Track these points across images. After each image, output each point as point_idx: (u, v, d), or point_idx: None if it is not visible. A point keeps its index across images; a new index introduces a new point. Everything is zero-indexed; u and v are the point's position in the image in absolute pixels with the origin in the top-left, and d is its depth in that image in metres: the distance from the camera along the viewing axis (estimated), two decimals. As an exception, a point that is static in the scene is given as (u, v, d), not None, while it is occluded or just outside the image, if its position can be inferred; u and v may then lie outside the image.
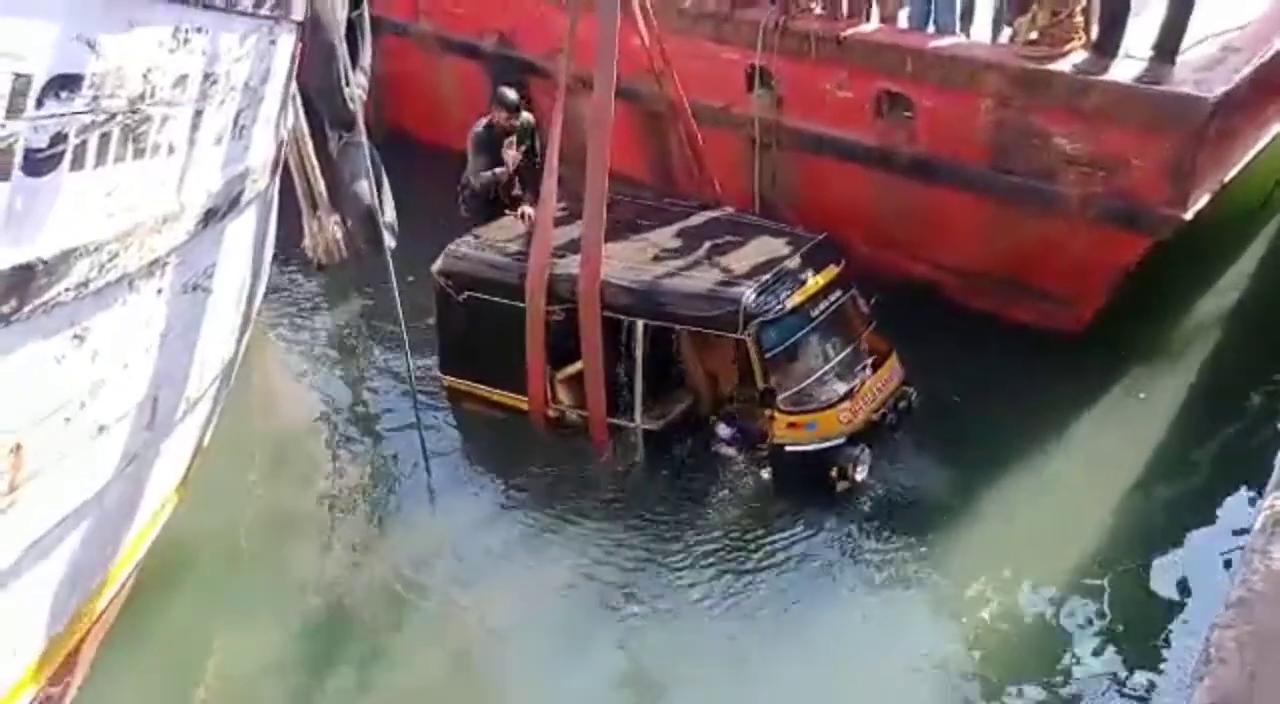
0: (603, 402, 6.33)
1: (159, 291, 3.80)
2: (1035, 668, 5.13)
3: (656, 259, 6.39)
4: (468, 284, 6.58)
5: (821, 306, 6.21)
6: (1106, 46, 6.33)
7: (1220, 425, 6.51)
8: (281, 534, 6.14)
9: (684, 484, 6.26)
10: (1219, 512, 5.87)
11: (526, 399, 6.56)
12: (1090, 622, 5.33)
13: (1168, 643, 5.20)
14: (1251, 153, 6.94)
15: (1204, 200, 6.44)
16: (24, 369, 3.17)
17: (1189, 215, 6.33)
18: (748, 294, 5.94)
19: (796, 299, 6.10)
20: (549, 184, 6.42)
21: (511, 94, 7.16)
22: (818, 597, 5.55)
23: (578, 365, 6.37)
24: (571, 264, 6.26)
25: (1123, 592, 5.46)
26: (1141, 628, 5.29)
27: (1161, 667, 5.07)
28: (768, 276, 6.08)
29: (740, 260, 6.30)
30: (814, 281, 6.22)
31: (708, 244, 6.52)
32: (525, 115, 7.25)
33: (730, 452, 6.32)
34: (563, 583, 5.70)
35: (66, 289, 3.19)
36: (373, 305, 7.72)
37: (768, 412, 6.02)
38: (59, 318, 3.23)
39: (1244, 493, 5.85)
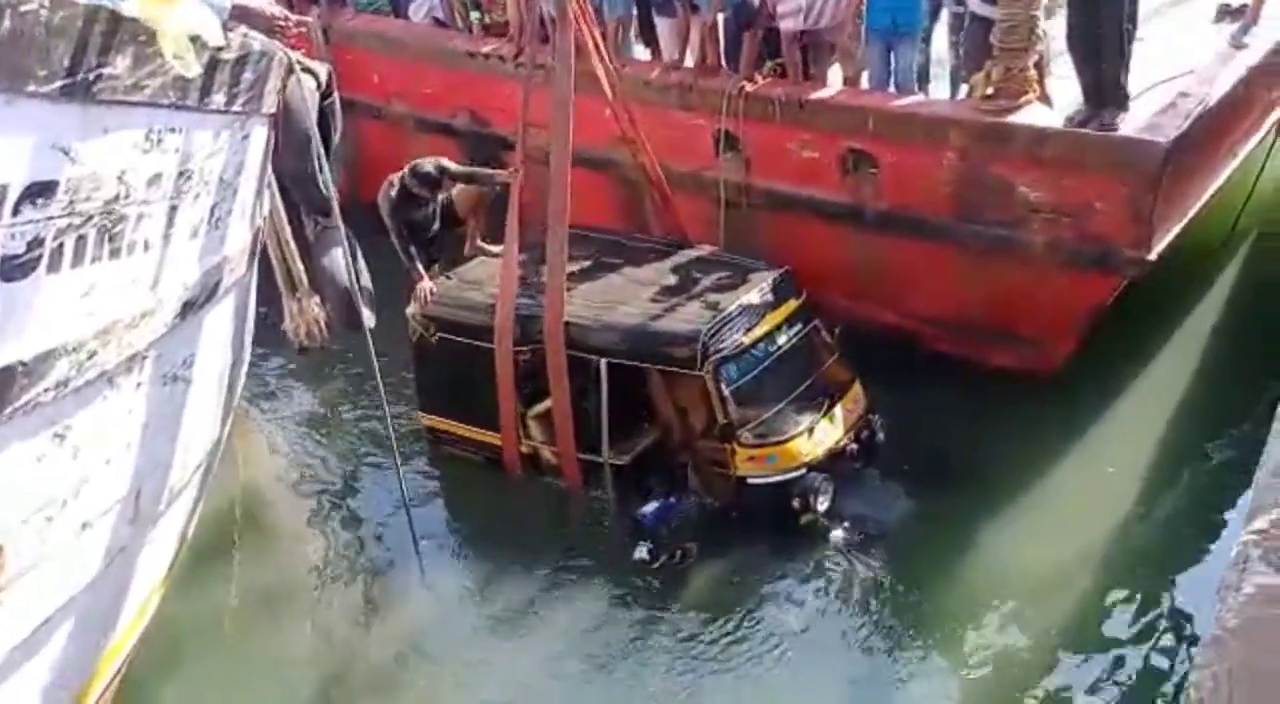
0: (571, 438, 6.43)
1: (138, 385, 3.84)
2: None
3: (619, 298, 6.56)
4: (440, 326, 6.74)
5: (780, 340, 6.36)
6: (1113, 99, 6.46)
7: (1198, 460, 6.55)
8: (271, 616, 6.11)
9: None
10: (1202, 546, 5.90)
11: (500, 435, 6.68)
12: (1077, 665, 5.33)
13: (1158, 682, 5.19)
14: (1210, 191, 7.11)
15: (1168, 240, 6.59)
16: (5, 471, 3.20)
17: (1154, 256, 6.46)
18: (705, 331, 6.05)
19: (755, 334, 6.25)
20: (511, 233, 6.60)
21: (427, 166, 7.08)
22: (796, 649, 5.59)
23: (548, 403, 6.48)
24: (538, 305, 6.41)
25: (1108, 632, 5.47)
26: (1130, 670, 5.26)
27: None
28: (725, 313, 6.22)
29: (699, 297, 6.47)
30: (772, 316, 6.37)
31: (669, 281, 6.72)
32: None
33: (643, 554, 6.03)
34: (551, 649, 5.71)
35: (46, 389, 3.23)
36: (354, 381, 7.77)
37: (728, 445, 6.08)
38: (39, 418, 3.26)
39: (1225, 527, 5.88)
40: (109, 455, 3.74)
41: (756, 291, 6.44)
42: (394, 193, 7.11)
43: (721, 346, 6.08)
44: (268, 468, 7.37)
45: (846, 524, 6.16)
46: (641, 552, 6.04)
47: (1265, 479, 3.42)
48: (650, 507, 6.21)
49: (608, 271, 6.87)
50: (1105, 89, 6.45)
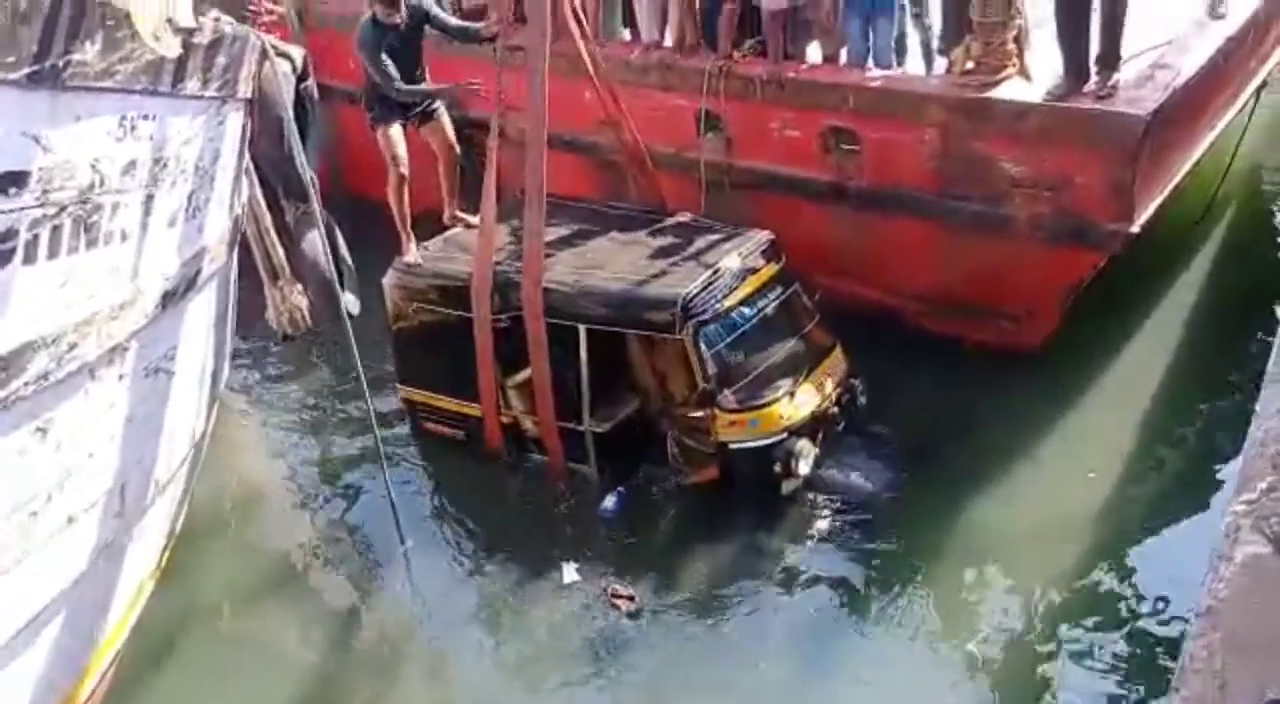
0: (552, 406, 6.39)
1: (120, 377, 3.79)
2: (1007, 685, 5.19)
3: (598, 264, 6.50)
4: (416, 297, 6.70)
5: (760, 304, 6.34)
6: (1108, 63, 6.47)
7: (1186, 431, 6.59)
8: (260, 610, 6.07)
9: (642, 514, 6.34)
10: (1192, 517, 5.92)
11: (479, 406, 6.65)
12: (1065, 636, 5.35)
13: (1150, 653, 5.23)
14: (1190, 163, 7.13)
15: (1149, 212, 6.60)
16: (-13, 466, 3.16)
17: (1135, 229, 6.47)
18: (684, 295, 6.03)
19: (734, 298, 6.21)
20: (489, 200, 6.52)
21: None
22: (780, 620, 5.64)
23: (528, 371, 6.44)
24: (516, 272, 6.35)
25: (1097, 603, 5.50)
26: (1121, 641, 5.30)
27: (1140, 678, 5.10)
28: (705, 277, 6.19)
29: (679, 262, 6.43)
30: (753, 280, 6.35)
31: (648, 247, 6.67)
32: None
33: (573, 576, 5.93)
34: (541, 635, 5.70)
35: (26, 383, 3.18)
36: (337, 367, 7.71)
37: (709, 410, 6.08)
38: (19, 412, 3.22)
39: (1214, 498, 5.92)
40: (92, 449, 3.69)
41: (736, 256, 6.41)
42: (367, 23, 6.74)
43: (702, 311, 6.07)
44: (253, 458, 7.32)
45: (828, 493, 6.18)
46: (571, 573, 5.96)
47: (1253, 450, 3.43)
48: (610, 500, 6.29)
49: (587, 238, 6.81)
50: (1105, 55, 6.39)
